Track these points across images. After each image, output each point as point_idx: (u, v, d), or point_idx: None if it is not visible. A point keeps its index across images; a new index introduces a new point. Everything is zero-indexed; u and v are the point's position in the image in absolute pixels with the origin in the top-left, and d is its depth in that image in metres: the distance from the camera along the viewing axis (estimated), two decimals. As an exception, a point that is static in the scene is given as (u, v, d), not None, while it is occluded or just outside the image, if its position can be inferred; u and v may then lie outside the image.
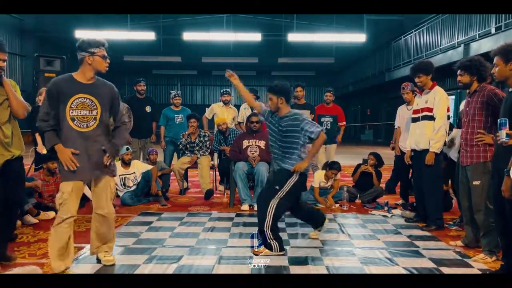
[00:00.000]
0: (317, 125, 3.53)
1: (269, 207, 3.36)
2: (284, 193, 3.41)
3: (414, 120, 4.28)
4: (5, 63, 2.79)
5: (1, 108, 2.84)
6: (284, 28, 19.45)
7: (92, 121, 2.88)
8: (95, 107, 2.89)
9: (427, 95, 4.13)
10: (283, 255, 3.34)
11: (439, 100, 4.03)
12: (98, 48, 2.89)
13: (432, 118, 4.06)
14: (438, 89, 4.09)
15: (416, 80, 4.13)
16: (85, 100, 2.86)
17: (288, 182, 3.43)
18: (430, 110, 4.07)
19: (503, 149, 2.74)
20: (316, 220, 3.87)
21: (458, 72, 3.44)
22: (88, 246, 3.56)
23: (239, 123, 6.43)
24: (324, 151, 6.16)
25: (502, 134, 2.58)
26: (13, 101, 2.81)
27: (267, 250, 3.35)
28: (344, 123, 6.24)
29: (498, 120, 2.61)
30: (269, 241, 3.35)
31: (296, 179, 3.45)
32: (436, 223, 4.14)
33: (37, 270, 1.90)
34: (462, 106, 3.96)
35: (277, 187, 3.44)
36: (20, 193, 3.16)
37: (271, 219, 3.34)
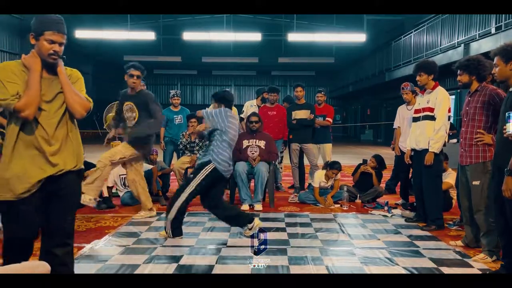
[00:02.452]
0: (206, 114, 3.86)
1: (179, 198, 3.68)
2: (195, 184, 3.67)
3: (415, 119, 4.28)
4: (63, 47, 2.20)
5: (53, 105, 2.19)
6: (284, 28, 19.44)
7: (133, 119, 4.40)
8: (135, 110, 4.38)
9: (429, 95, 4.13)
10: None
11: (441, 100, 4.03)
12: (129, 70, 4.40)
13: (433, 118, 4.06)
14: (440, 90, 4.09)
15: (417, 78, 4.13)
16: (130, 106, 4.41)
17: (202, 171, 3.69)
18: (432, 110, 4.07)
19: (504, 148, 2.74)
20: (238, 221, 3.81)
21: (458, 72, 3.45)
22: (88, 246, 3.57)
23: (242, 119, 6.44)
24: (318, 150, 6.17)
25: (509, 127, 2.56)
26: (67, 95, 2.19)
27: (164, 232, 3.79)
28: (330, 119, 6.21)
29: (506, 113, 2.60)
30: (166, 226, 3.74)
31: (207, 172, 3.67)
32: (436, 223, 4.14)
33: (46, 266, 1.89)
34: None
35: (191, 175, 3.77)
36: (68, 221, 2.35)
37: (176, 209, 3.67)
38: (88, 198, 4.10)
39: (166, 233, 3.76)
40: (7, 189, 2.11)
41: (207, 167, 3.68)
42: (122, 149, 4.36)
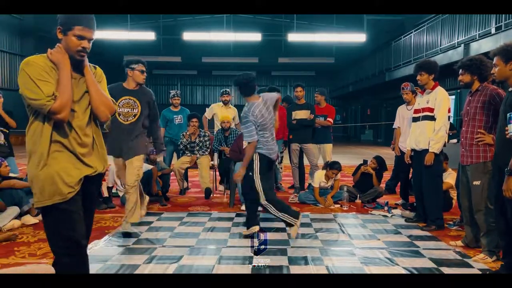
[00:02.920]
0: (250, 134, 3.77)
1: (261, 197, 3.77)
2: (258, 178, 3.80)
3: (415, 119, 4.27)
4: (91, 43, 2.06)
5: (81, 106, 2.07)
6: (284, 28, 19.45)
7: (132, 117, 3.92)
8: (136, 106, 3.94)
9: (428, 95, 4.13)
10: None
11: (441, 100, 4.03)
12: (136, 65, 3.92)
13: (433, 118, 4.06)
14: (439, 90, 4.09)
15: (418, 77, 4.13)
16: (129, 100, 3.94)
17: (254, 164, 3.82)
18: (431, 110, 4.07)
19: (504, 148, 2.74)
20: (255, 217, 3.98)
21: (460, 71, 3.45)
22: (88, 246, 3.56)
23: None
24: (318, 150, 6.17)
25: (511, 128, 2.57)
26: (94, 96, 2.06)
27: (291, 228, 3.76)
28: (331, 120, 6.21)
29: (508, 114, 2.60)
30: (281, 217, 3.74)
31: (257, 162, 3.81)
32: (436, 223, 4.14)
33: (50, 269, 1.87)
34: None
35: (250, 173, 3.84)
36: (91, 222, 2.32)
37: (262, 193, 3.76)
38: (129, 224, 3.89)
39: (292, 223, 3.76)
40: (53, 192, 1.99)
41: (255, 160, 3.83)
42: (139, 163, 4.03)
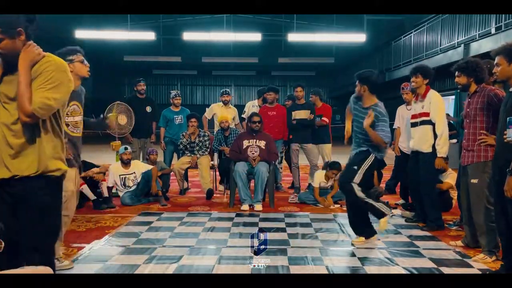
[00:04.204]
0: (387, 136, 3.61)
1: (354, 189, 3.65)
2: (360, 177, 3.66)
3: (413, 124, 4.28)
4: (4, 43, 1.94)
5: (14, 104, 1.91)
6: (284, 28, 19.44)
7: (80, 127, 3.07)
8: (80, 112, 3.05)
9: (422, 101, 4.14)
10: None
11: (435, 104, 4.03)
12: (75, 55, 2.98)
13: (431, 122, 4.06)
14: (432, 93, 4.09)
15: (412, 79, 4.13)
16: (75, 107, 3.00)
17: (365, 162, 3.68)
18: (428, 115, 4.08)
19: (504, 149, 2.74)
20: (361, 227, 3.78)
21: (456, 73, 3.46)
22: (88, 246, 3.56)
23: (243, 120, 6.44)
24: (317, 151, 6.16)
25: (510, 132, 2.58)
26: (17, 95, 1.89)
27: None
28: (326, 119, 6.20)
29: (508, 118, 2.60)
30: (377, 207, 3.71)
31: (370, 164, 3.68)
32: (436, 223, 4.14)
33: (49, 269, 1.87)
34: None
35: (355, 167, 3.70)
36: (36, 234, 2.01)
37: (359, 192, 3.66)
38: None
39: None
40: None
41: (368, 159, 3.69)
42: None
